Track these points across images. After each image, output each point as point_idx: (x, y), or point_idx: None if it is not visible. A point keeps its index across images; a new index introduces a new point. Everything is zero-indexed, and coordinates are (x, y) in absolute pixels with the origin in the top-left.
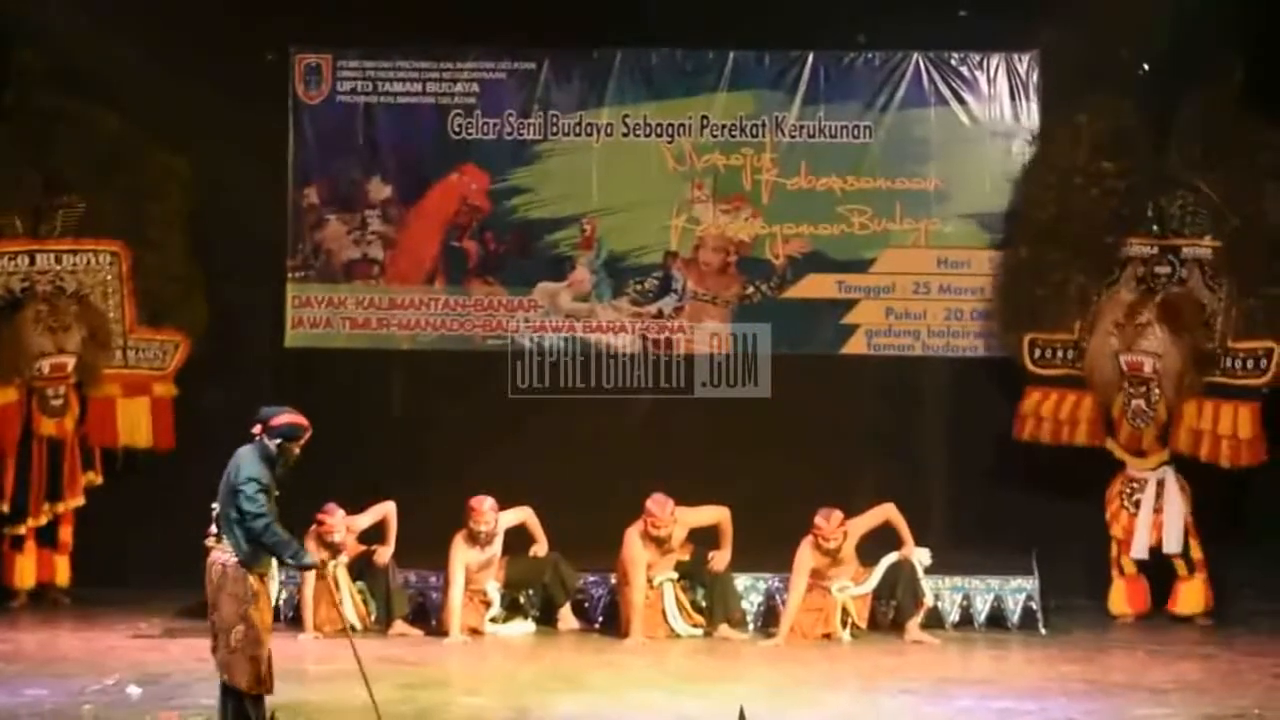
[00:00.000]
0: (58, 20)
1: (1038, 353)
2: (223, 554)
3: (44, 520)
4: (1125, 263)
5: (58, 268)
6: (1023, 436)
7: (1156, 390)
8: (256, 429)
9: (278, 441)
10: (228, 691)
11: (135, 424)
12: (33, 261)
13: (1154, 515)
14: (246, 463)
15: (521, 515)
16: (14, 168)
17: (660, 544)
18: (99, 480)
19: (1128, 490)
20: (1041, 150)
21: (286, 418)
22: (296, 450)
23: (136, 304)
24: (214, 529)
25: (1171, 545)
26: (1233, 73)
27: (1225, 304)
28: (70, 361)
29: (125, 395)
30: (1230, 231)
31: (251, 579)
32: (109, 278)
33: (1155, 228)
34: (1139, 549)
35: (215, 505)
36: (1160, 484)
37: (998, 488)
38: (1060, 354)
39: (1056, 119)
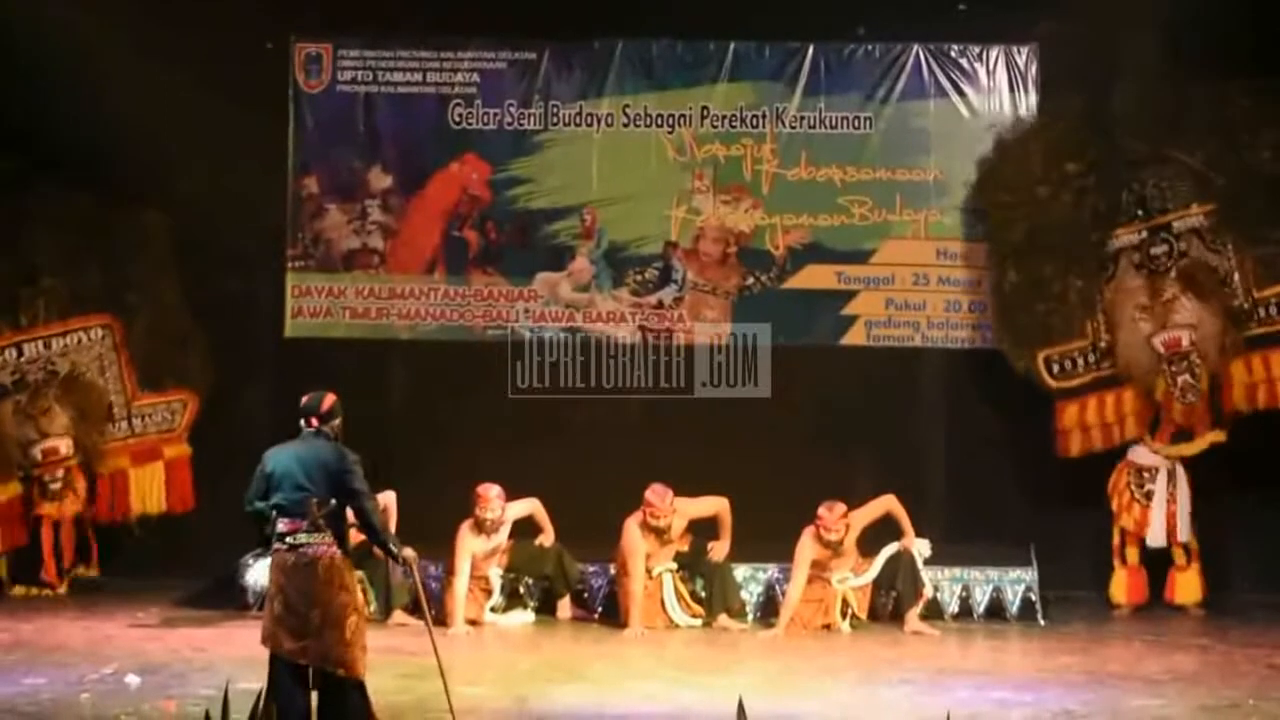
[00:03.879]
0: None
1: (1055, 367)
2: (328, 547)
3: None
4: (1117, 255)
5: (48, 353)
6: (1073, 452)
7: (1198, 360)
8: (312, 422)
9: (335, 423)
10: (297, 685)
11: (148, 491)
12: (20, 353)
13: (1166, 505)
14: (334, 450)
15: (530, 507)
16: None
17: (659, 534)
18: (95, 573)
19: (1137, 481)
20: (993, 172)
21: (330, 399)
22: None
23: (136, 371)
24: (300, 525)
25: (1184, 533)
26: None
27: (1236, 261)
28: (62, 444)
29: (135, 464)
30: (1219, 191)
31: (350, 567)
32: (103, 351)
33: (1140, 212)
34: (1156, 537)
35: (277, 504)
36: (1170, 473)
37: (998, 478)
38: (1081, 361)
39: (1002, 141)
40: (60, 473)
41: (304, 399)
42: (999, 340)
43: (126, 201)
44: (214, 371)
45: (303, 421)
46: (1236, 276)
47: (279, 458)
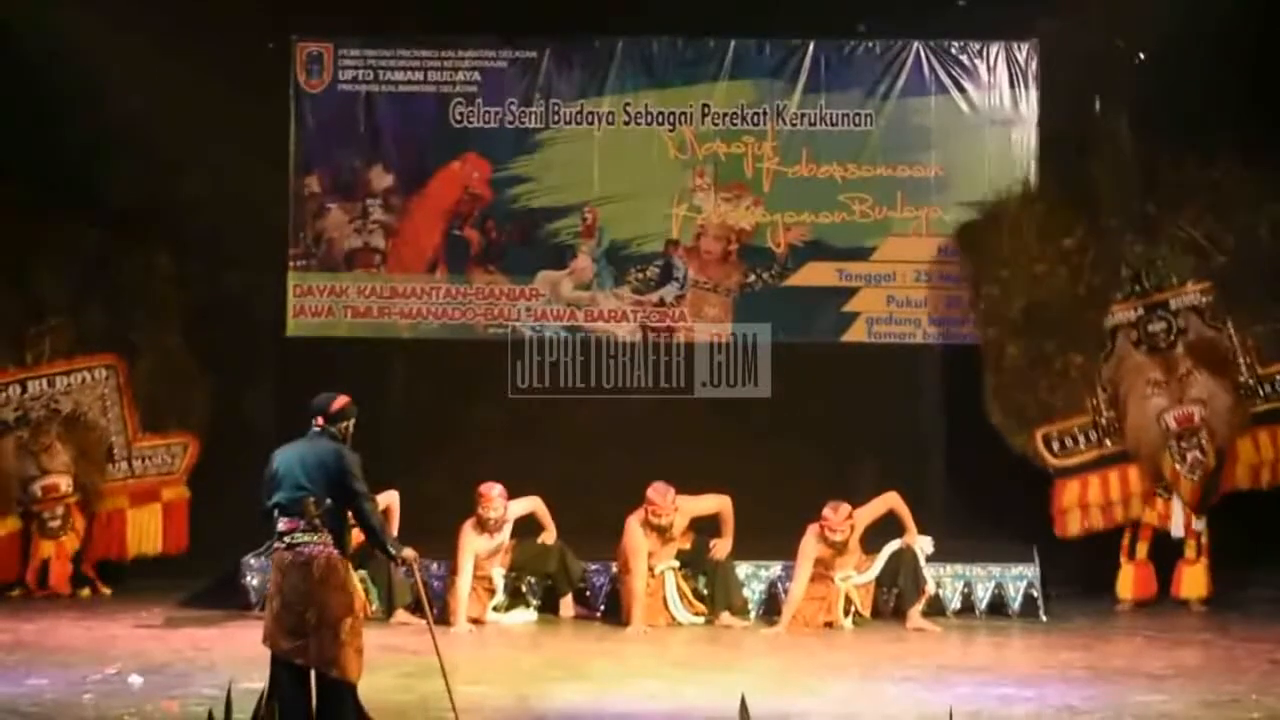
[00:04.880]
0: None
1: (1055, 444)
2: (324, 547)
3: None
4: (1114, 332)
5: (52, 391)
6: (1069, 534)
7: (1205, 437)
8: (319, 421)
9: (343, 425)
10: (298, 685)
11: (144, 532)
12: (24, 389)
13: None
14: (334, 450)
15: (531, 505)
16: None
17: (661, 532)
18: (107, 591)
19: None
20: (984, 242)
21: (341, 401)
22: (351, 427)
23: (138, 412)
24: (298, 524)
25: (1198, 523)
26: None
27: (1239, 338)
28: (62, 481)
29: (133, 505)
30: (1218, 269)
31: (348, 568)
32: (106, 391)
33: (1136, 288)
34: (1178, 527)
35: (279, 502)
36: None
37: (999, 474)
38: (1082, 438)
39: (985, 213)
40: (60, 510)
41: (316, 398)
42: (994, 417)
43: (128, 221)
44: (216, 415)
45: (312, 420)
46: (1239, 354)
47: (284, 456)
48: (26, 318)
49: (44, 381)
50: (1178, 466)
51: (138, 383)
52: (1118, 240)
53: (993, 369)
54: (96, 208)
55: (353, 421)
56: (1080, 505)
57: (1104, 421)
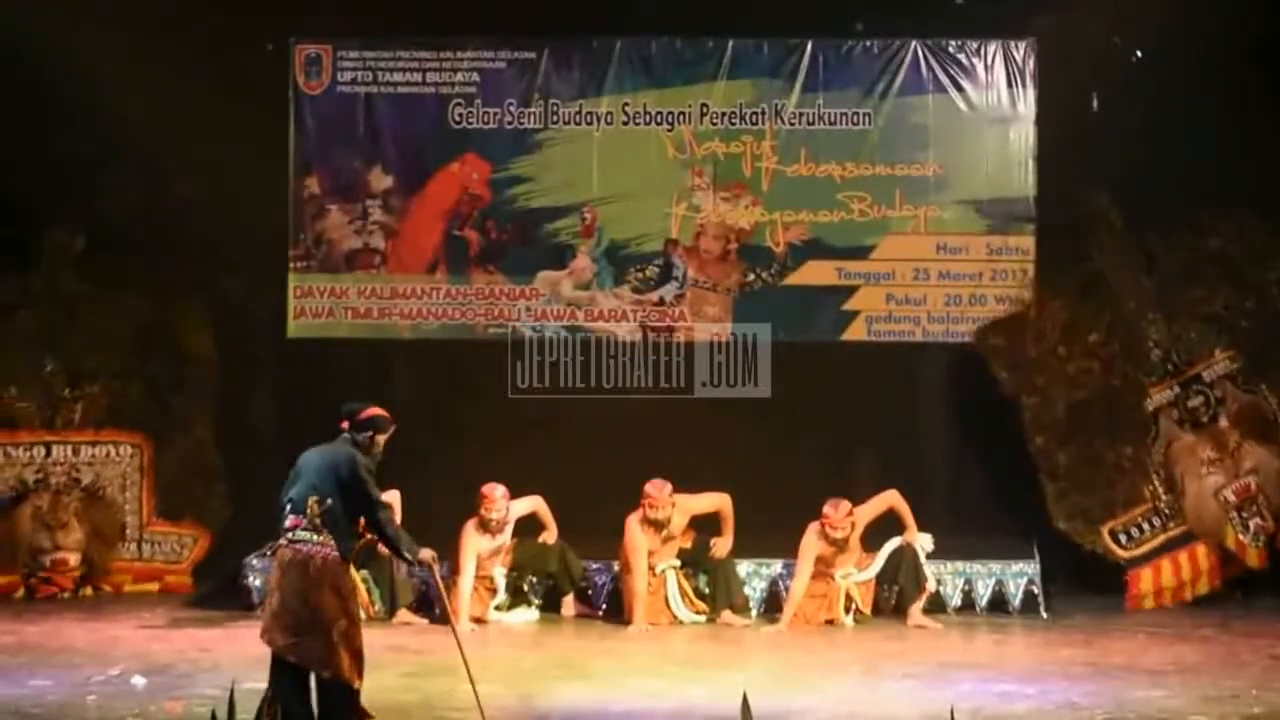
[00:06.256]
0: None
1: (1123, 537)
2: (322, 547)
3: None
4: (1155, 415)
5: (75, 459)
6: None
7: (1263, 502)
8: (344, 424)
9: (368, 434)
10: (299, 684)
11: None
12: (49, 453)
13: None
14: (349, 456)
15: (533, 504)
16: (37, 358)
17: (660, 528)
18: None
19: None
20: (1014, 357)
21: (373, 410)
22: (382, 442)
23: (156, 497)
24: (302, 521)
25: None
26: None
27: (1276, 398)
28: (72, 557)
29: (136, 586)
30: (1241, 333)
31: (346, 572)
32: (128, 470)
33: (1169, 367)
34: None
35: (290, 498)
36: None
37: (999, 472)
38: (1146, 525)
39: (1007, 328)
40: (65, 582)
41: (348, 403)
42: (1060, 523)
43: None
44: (231, 511)
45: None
46: (1278, 415)
47: (307, 455)
48: (63, 382)
49: (69, 449)
50: (1242, 537)
51: (161, 468)
52: (1139, 324)
53: (1049, 476)
54: (93, 182)
55: (382, 436)
56: (1155, 591)
57: (1163, 506)
